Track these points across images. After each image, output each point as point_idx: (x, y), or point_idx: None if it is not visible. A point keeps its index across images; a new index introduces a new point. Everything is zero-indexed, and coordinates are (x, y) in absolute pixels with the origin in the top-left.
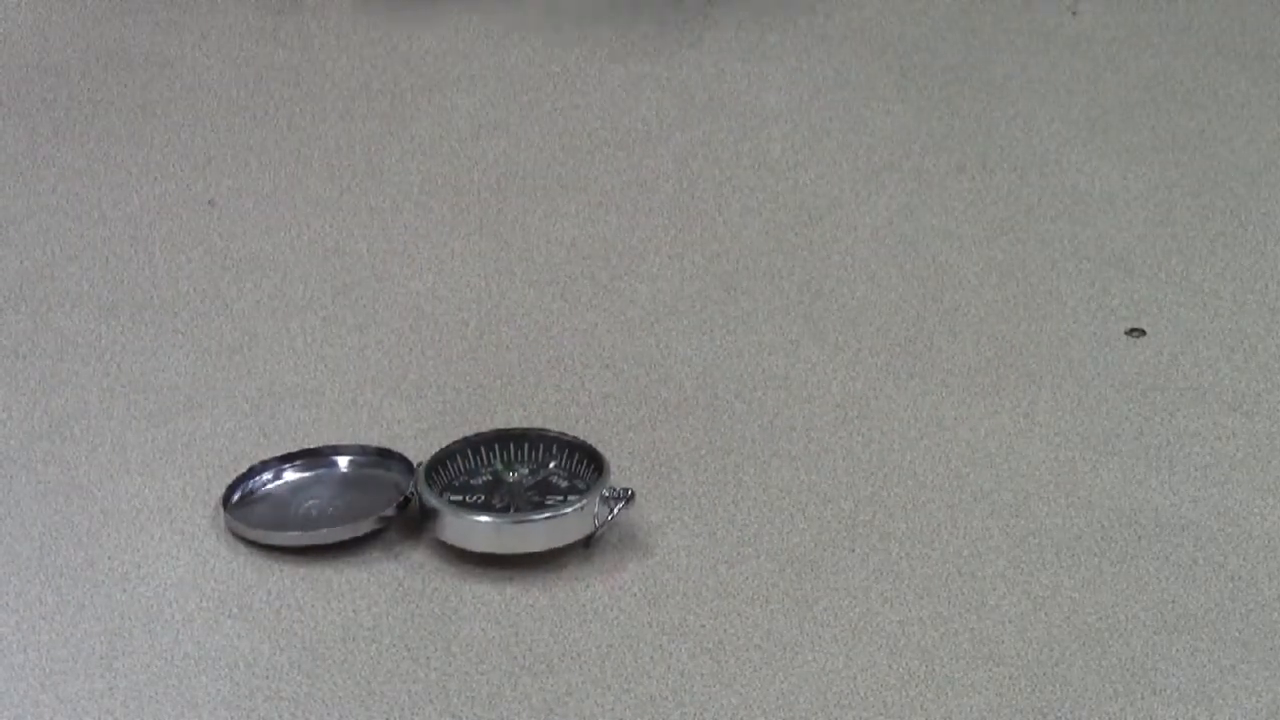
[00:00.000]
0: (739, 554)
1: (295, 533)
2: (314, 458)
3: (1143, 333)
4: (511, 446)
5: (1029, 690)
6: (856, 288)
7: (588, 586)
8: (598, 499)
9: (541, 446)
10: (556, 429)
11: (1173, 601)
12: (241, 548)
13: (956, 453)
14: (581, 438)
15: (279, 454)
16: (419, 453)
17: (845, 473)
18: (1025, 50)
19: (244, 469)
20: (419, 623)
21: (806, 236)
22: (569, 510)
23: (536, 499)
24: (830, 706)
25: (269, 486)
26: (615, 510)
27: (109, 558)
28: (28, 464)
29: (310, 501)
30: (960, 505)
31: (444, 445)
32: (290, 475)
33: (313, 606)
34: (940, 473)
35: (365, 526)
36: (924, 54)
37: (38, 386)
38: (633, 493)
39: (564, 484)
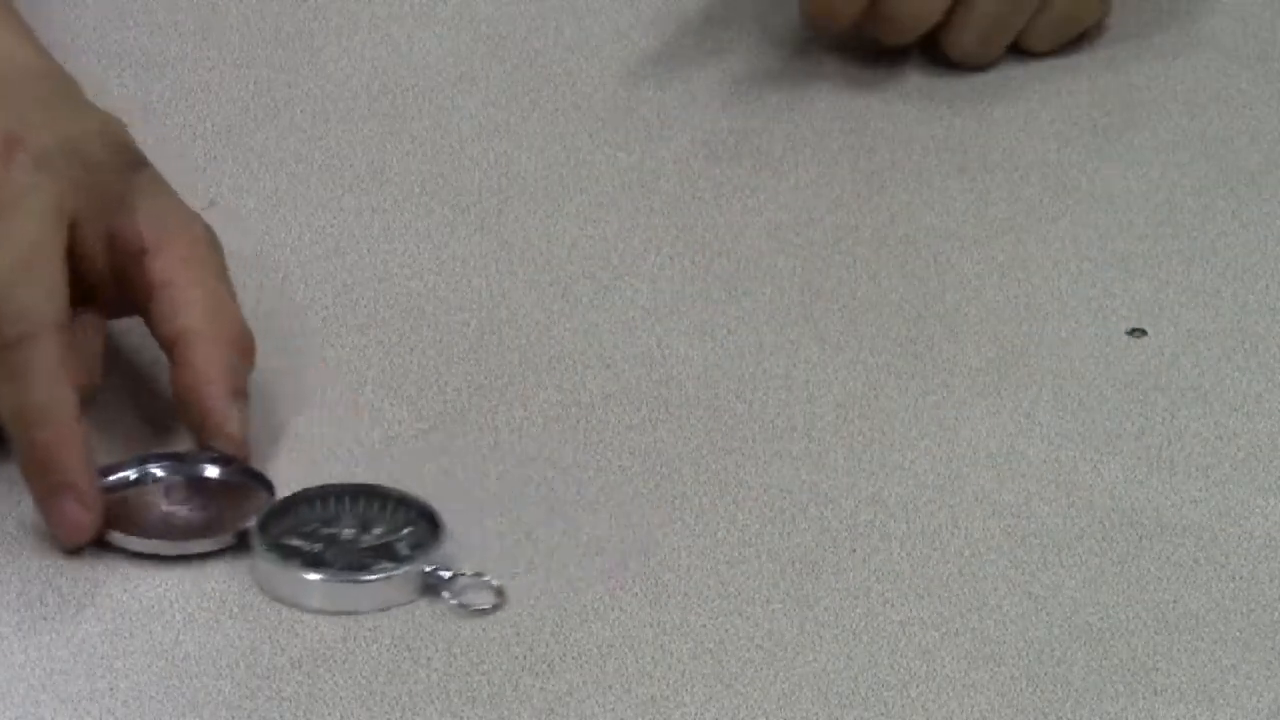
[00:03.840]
0: (739, 554)
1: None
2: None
3: (1144, 333)
4: (376, 505)
5: (1029, 690)
6: (856, 288)
7: (588, 586)
8: (416, 573)
9: (402, 510)
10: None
11: (1173, 601)
12: (241, 547)
13: (956, 453)
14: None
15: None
16: (418, 454)
17: (845, 473)
18: (1026, 50)
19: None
20: (419, 623)
21: (806, 236)
22: (377, 578)
23: (369, 561)
24: (830, 706)
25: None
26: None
27: (109, 558)
28: None
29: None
30: (960, 505)
31: (304, 489)
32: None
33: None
34: (940, 473)
35: (204, 546)
36: (924, 54)
37: None
38: (454, 575)
39: (406, 552)
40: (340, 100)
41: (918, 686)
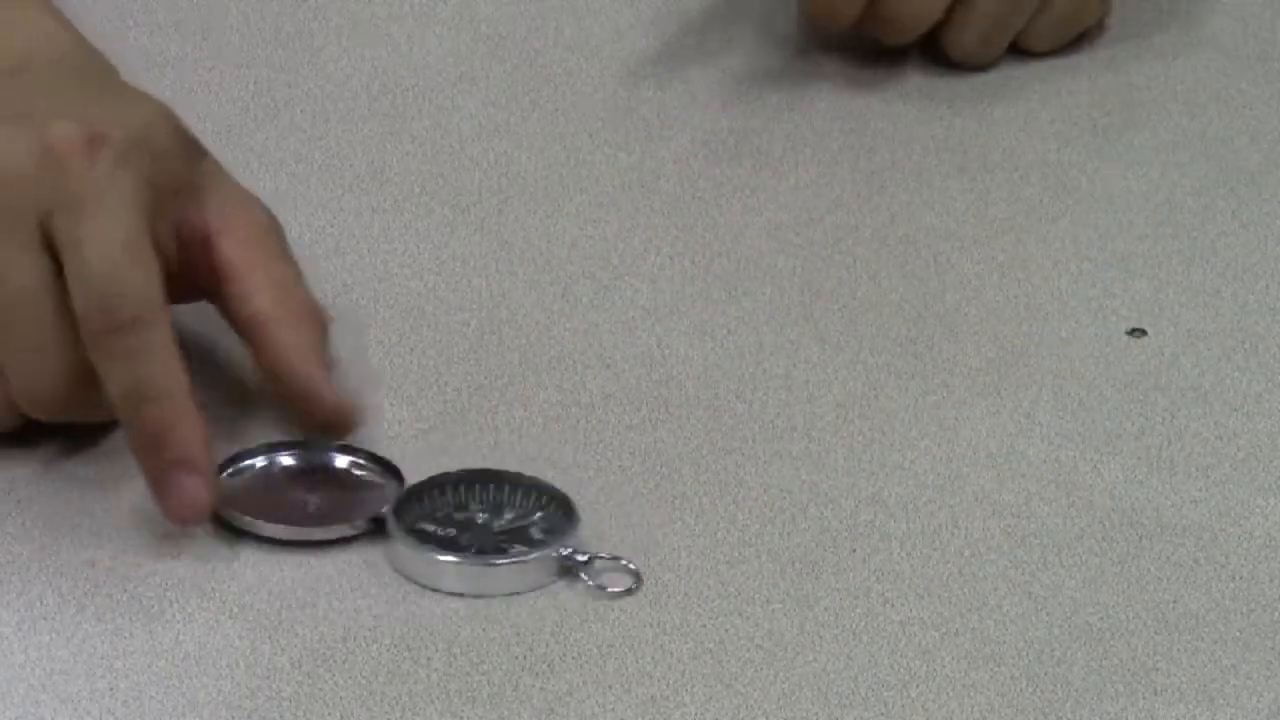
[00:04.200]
0: (739, 554)
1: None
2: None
3: (1144, 333)
4: (507, 489)
5: (1029, 690)
6: (856, 288)
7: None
8: (553, 557)
9: (533, 495)
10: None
11: (1173, 601)
12: (241, 548)
13: (956, 453)
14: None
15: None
16: (416, 455)
17: (845, 473)
18: (1026, 50)
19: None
20: (419, 623)
21: (806, 236)
22: (514, 561)
23: (504, 545)
24: (830, 706)
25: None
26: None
27: (109, 558)
28: (28, 463)
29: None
30: (960, 505)
31: (434, 475)
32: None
33: (313, 606)
34: (940, 473)
35: (340, 532)
36: (924, 54)
37: None
38: (592, 557)
39: (540, 536)
40: (340, 100)
41: (918, 686)
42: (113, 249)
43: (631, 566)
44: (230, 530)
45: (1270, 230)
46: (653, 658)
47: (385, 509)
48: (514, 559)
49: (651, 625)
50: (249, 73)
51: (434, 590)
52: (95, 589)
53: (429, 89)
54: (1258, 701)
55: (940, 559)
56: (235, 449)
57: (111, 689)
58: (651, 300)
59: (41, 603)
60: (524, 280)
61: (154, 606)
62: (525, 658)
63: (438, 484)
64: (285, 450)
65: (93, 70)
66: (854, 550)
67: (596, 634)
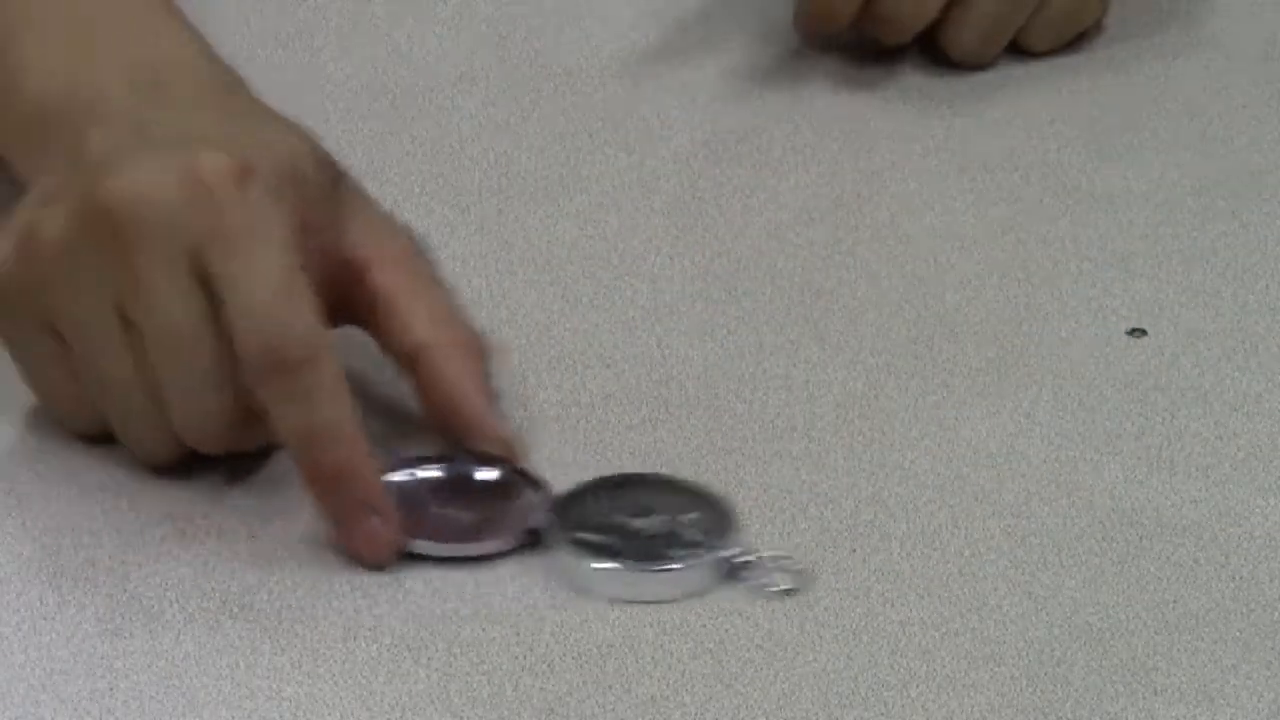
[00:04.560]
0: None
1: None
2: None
3: (1144, 333)
4: (652, 493)
5: (1029, 690)
6: (856, 288)
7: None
8: (719, 559)
9: (682, 497)
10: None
11: (1173, 601)
12: (242, 548)
13: (956, 453)
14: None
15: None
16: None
17: (845, 473)
18: (1026, 50)
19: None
20: (419, 623)
21: (806, 236)
22: (688, 566)
23: (663, 550)
24: (830, 706)
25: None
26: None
27: (109, 557)
28: (28, 463)
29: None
30: (960, 505)
31: (579, 483)
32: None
33: (313, 606)
34: (940, 473)
35: (498, 546)
36: (924, 53)
37: None
38: (757, 557)
39: (695, 538)
40: (340, 100)
41: (918, 686)
42: (273, 286)
43: (797, 566)
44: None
45: (1270, 230)
46: (652, 658)
47: (540, 520)
48: (684, 563)
49: (651, 625)
50: (249, 72)
51: (593, 596)
52: (95, 589)
53: (429, 89)
54: (1258, 701)
55: (940, 559)
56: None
57: (111, 689)
58: (651, 300)
59: (41, 603)
60: (524, 280)
61: (154, 606)
62: (525, 658)
63: (587, 491)
64: (426, 465)
65: (228, 90)
66: (854, 550)
67: (597, 634)
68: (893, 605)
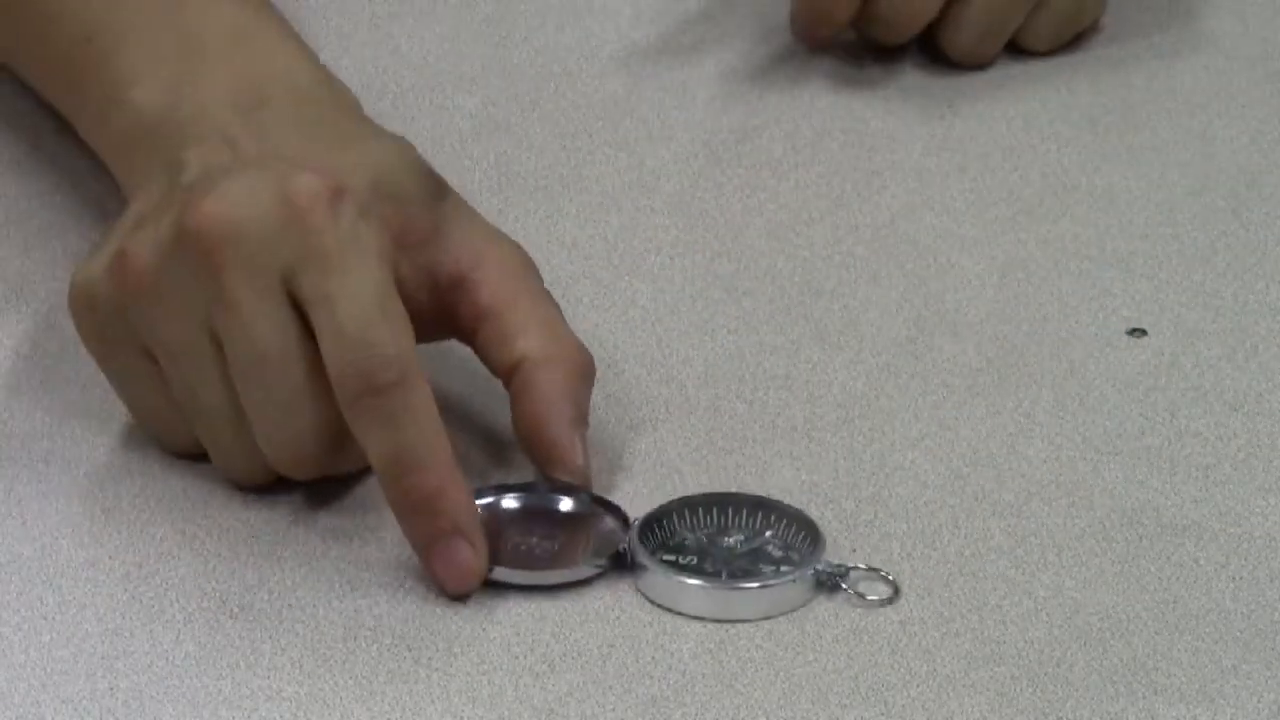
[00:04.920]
0: None
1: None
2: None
3: (1144, 333)
4: (730, 511)
5: (1029, 690)
6: (856, 288)
7: (588, 587)
8: (811, 573)
9: (760, 514)
10: (775, 497)
11: (1173, 601)
12: (242, 548)
13: (956, 453)
14: (800, 508)
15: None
16: None
17: (845, 473)
18: (1026, 51)
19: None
20: (419, 623)
21: (806, 236)
22: (783, 581)
23: (750, 567)
24: (831, 706)
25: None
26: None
27: (109, 558)
28: (28, 464)
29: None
30: (960, 505)
31: (660, 504)
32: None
33: (313, 606)
34: (940, 473)
35: (584, 572)
36: (923, 53)
37: (38, 385)
38: (848, 569)
39: (778, 554)
40: None
41: (918, 686)
42: (365, 308)
43: (889, 576)
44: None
45: (1270, 230)
46: (653, 658)
47: (625, 543)
48: (776, 579)
49: (651, 625)
50: None
51: (682, 615)
52: (95, 589)
53: (429, 89)
54: (1258, 701)
55: (940, 559)
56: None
57: (111, 689)
58: (651, 300)
59: (41, 603)
60: None
61: (154, 606)
62: (525, 658)
63: (666, 513)
64: (507, 494)
65: (332, 106)
66: (854, 550)
67: (596, 634)
68: (893, 605)
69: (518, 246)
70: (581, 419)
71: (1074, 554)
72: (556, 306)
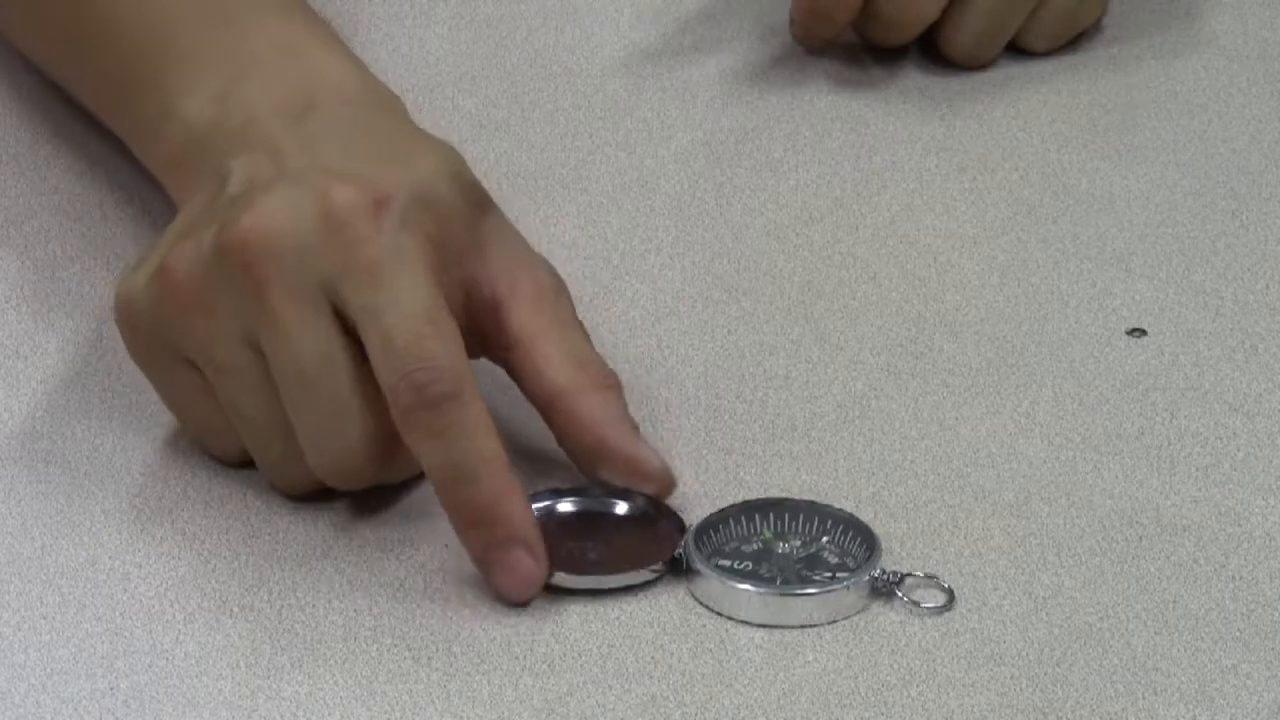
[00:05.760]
0: None
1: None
2: (586, 497)
3: (1144, 333)
4: (786, 517)
5: (1029, 690)
6: (856, 288)
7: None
8: (866, 580)
9: (816, 519)
10: (828, 502)
11: (1173, 601)
12: (242, 548)
13: (956, 453)
14: (856, 514)
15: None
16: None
17: (845, 473)
18: (1026, 51)
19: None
20: (419, 623)
21: (806, 236)
22: (839, 588)
23: (805, 573)
24: (831, 706)
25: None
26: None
27: (109, 558)
28: (28, 464)
29: (578, 542)
30: (960, 505)
31: (717, 509)
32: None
33: (313, 606)
34: (940, 473)
35: (641, 577)
36: (924, 53)
37: (38, 386)
38: (903, 576)
39: (834, 560)
40: None
41: (918, 686)
42: (415, 320)
43: (945, 584)
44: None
45: (1270, 230)
46: (653, 658)
47: (681, 548)
48: (831, 585)
49: (651, 625)
50: None
51: (737, 621)
52: (95, 589)
53: (429, 89)
54: (1258, 701)
55: (940, 559)
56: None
57: (111, 689)
58: (651, 300)
59: (41, 603)
60: None
61: (154, 606)
62: (525, 658)
63: (722, 519)
64: (561, 498)
65: (378, 113)
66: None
67: (597, 634)
68: (893, 605)
69: (551, 270)
70: (637, 429)
71: (1074, 554)
72: (585, 334)
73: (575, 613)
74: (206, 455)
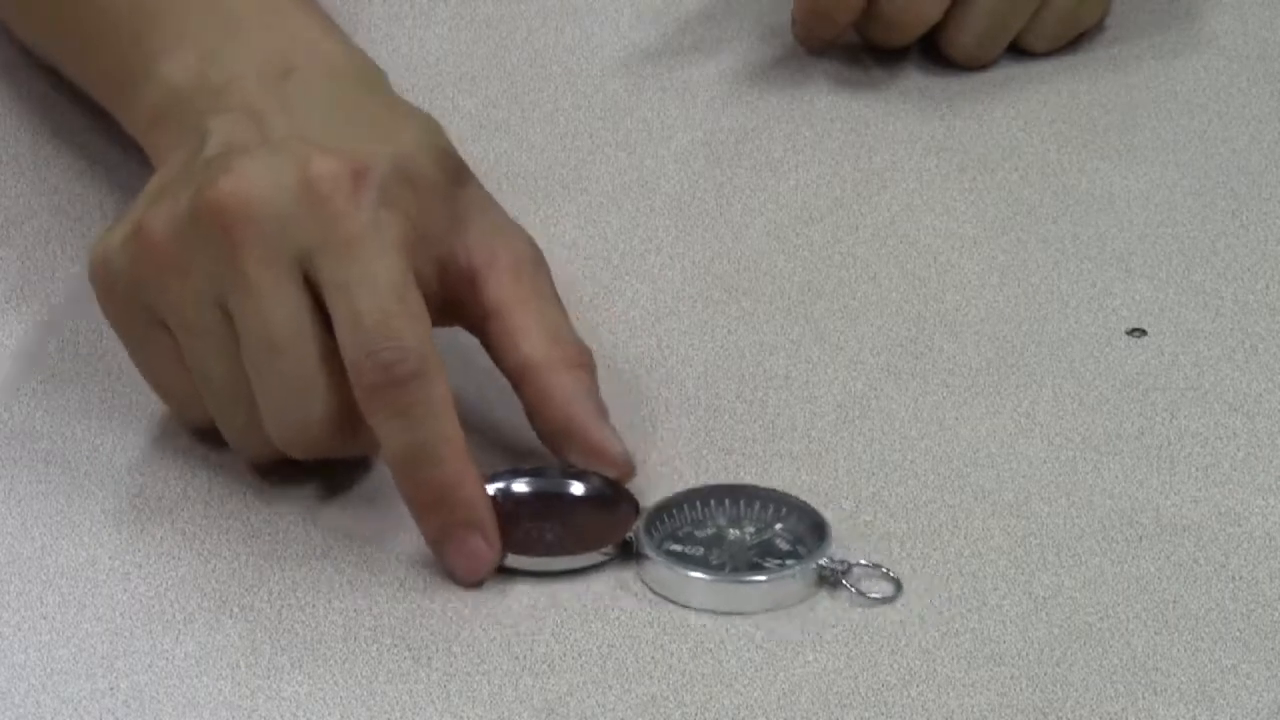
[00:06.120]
0: None
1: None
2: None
3: (1143, 333)
4: (741, 503)
5: (1029, 690)
6: (856, 288)
7: (588, 587)
8: (813, 568)
9: (771, 506)
10: (784, 488)
11: (1173, 601)
12: (242, 548)
13: (956, 453)
14: (807, 501)
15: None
16: None
17: (845, 473)
18: (1026, 51)
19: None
20: (419, 623)
21: (806, 236)
22: (784, 576)
23: (756, 560)
24: (831, 706)
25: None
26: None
27: (109, 558)
28: (28, 464)
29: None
30: (960, 505)
31: (668, 495)
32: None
33: (313, 606)
34: (940, 473)
35: (591, 560)
36: (924, 53)
37: (39, 386)
38: (850, 565)
39: (786, 547)
40: None
41: (918, 686)
42: (384, 298)
43: (892, 574)
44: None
45: (1270, 230)
46: (653, 658)
47: (633, 532)
48: (778, 573)
49: (652, 625)
50: None
51: (686, 607)
52: (95, 589)
53: (429, 89)
54: (1258, 701)
55: (940, 559)
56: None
57: (111, 689)
58: (651, 300)
59: (41, 603)
60: None
61: (154, 606)
62: (525, 658)
63: (676, 503)
64: (517, 479)
65: (359, 81)
66: (852, 549)
67: (597, 634)
68: (893, 605)
69: (530, 242)
70: (604, 412)
71: (1074, 554)
72: (562, 307)
73: (575, 613)
74: (204, 455)
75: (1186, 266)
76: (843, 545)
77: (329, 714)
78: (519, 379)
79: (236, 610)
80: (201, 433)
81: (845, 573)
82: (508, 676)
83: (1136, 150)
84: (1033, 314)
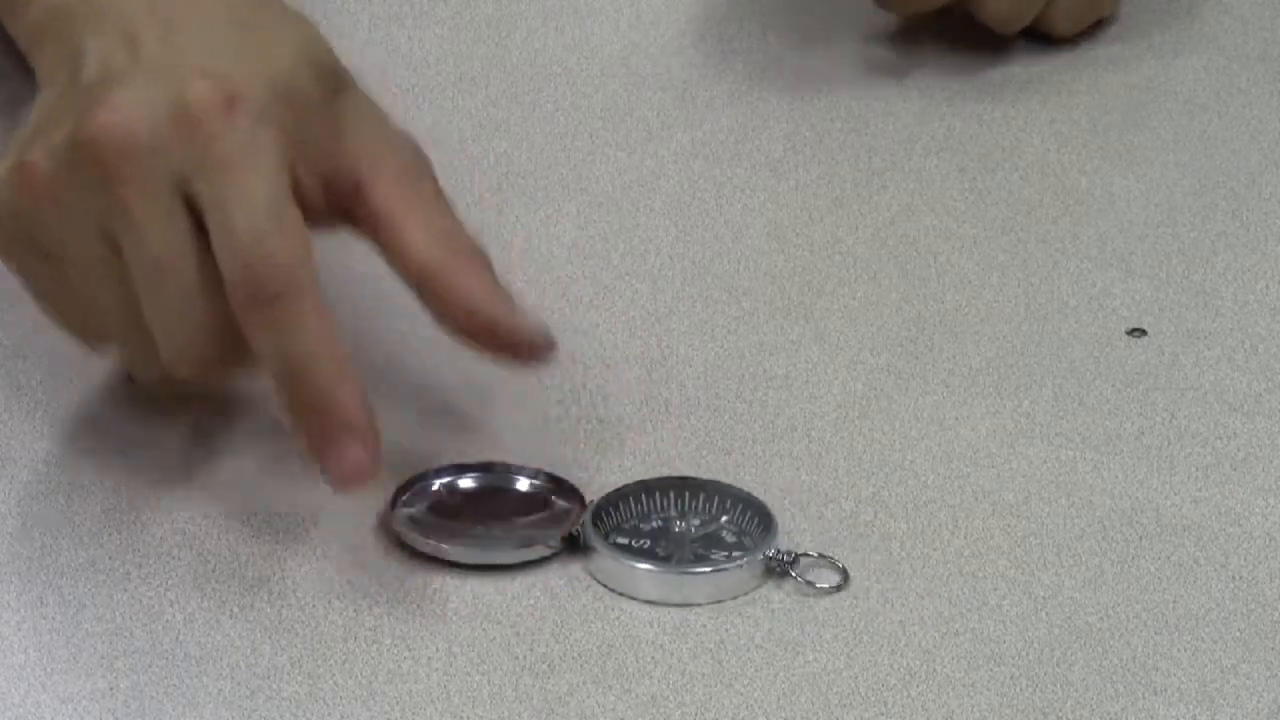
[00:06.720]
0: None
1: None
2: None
3: (1143, 333)
4: (686, 496)
5: (1029, 690)
6: (856, 288)
7: (588, 587)
8: (761, 559)
9: (716, 499)
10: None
11: (1173, 601)
12: (242, 548)
13: (956, 453)
14: (754, 493)
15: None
16: (408, 460)
17: (845, 473)
18: (1026, 50)
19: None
20: (419, 623)
21: (806, 236)
22: (731, 567)
23: (702, 552)
24: (831, 706)
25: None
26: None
27: (109, 558)
28: (28, 464)
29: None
30: (960, 505)
31: (616, 487)
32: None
33: (313, 606)
34: (940, 473)
35: (537, 553)
36: (925, 54)
37: (38, 386)
38: (797, 556)
39: (732, 539)
40: None
41: (918, 686)
42: (258, 216)
43: (840, 564)
44: (414, 555)
45: (1270, 230)
46: (653, 658)
47: (579, 525)
48: (726, 564)
49: (652, 625)
50: None
51: (634, 599)
52: (95, 589)
53: (429, 89)
54: (1258, 701)
55: (940, 559)
56: (411, 473)
57: (111, 689)
58: (651, 300)
59: (41, 603)
60: (524, 280)
61: (154, 606)
62: (525, 658)
63: (625, 495)
64: (464, 473)
65: None
66: (854, 550)
67: (597, 634)
68: (892, 605)
69: (416, 148)
70: (510, 300)
71: (1074, 554)
72: (450, 209)
73: (576, 613)
74: (204, 455)
75: (1186, 266)
76: (842, 544)
77: (329, 714)
78: (419, 285)
79: (236, 610)
80: (96, 348)
81: (792, 563)
82: (508, 676)
83: (1136, 150)
84: (1033, 314)
